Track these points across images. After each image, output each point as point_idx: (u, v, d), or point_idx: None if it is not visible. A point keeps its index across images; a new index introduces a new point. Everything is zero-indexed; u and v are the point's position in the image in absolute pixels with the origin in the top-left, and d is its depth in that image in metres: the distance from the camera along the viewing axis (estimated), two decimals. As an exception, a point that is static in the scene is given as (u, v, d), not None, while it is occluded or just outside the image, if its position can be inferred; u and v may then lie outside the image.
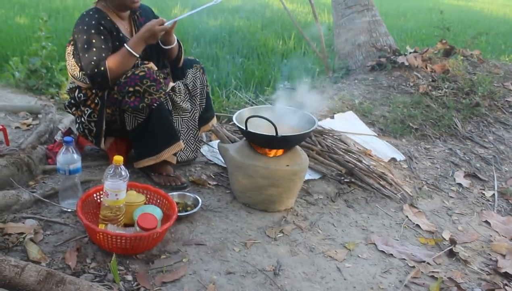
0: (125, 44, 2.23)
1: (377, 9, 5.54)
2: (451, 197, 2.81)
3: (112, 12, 2.34)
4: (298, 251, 2.04)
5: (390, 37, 5.41)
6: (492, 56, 6.63)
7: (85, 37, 2.19)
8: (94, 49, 2.18)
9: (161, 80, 2.27)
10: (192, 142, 2.60)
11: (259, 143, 2.25)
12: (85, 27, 2.20)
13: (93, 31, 2.20)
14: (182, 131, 2.54)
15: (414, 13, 13.21)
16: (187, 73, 2.58)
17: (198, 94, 2.60)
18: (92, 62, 2.16)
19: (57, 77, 4.18)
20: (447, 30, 5.93)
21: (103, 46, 2.21)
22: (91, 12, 2.26)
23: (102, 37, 2.22)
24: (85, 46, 2.18)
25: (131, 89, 2.18)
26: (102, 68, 2.16)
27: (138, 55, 2.25)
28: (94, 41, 2.19)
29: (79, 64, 2.25)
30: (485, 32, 7.61)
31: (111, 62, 2.18)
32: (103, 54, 2.19)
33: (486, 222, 2.58)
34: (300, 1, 13.16)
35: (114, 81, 2.21)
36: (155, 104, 2.22)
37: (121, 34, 2.33)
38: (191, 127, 2.58)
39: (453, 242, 2.25)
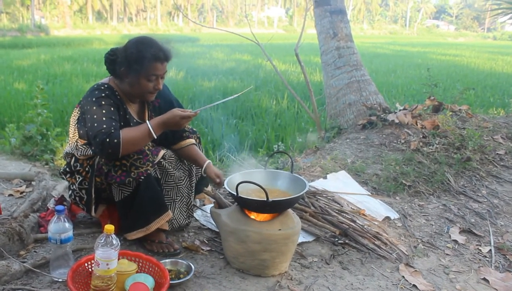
0: (147, 121, 2.17)
1: (366, 69, 5.70)
2: (447, 254, 2.78)
3: (123, 92, 2.32)
4: (293, 317, 2.00)
5: (379, 95, 5.53)
6: (481, 110, 6.76)
7: (94, 108, 2.14)
8: (104, 118, 2.11)
9: (148, 151, 2.24)
10: (185, 210, 2.58)
11: (251, 208, 2.25)
12: (94, 99, 2.17)
13: (103, 102, 2.16)
14: (176, 200, 2.52)
15: (404, 70, 13.60)
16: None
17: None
18: (103, 131, 2.06)
19: (52, 144, 4.23)
20: (435, 87, 6.09)
21: (113, 117, 2.15)
22: (102, 87, 2.23)
23: (112, 109, 2.18)
24: (95, 116, 2.12)
25: (117, 163, 2.17)
26: (115, 141, 2.05)
27: (155, 137, 2.17)
28: (104, 111, 2.13)
29: (89, 133, 2.16)
30: (472, 88, 7.85)
31: (126, 135, 2.09)
32: (113, 124, 2.11)
33: (485, 279, 2.53)
34: (292, 61, 13.54)
35: (124, 156, 2.14)
36: (142, 178, 2.20)
37: (127, 116, 2.31)
38: (185, 195, 2.56)
39: (451, 302, 2.21)
